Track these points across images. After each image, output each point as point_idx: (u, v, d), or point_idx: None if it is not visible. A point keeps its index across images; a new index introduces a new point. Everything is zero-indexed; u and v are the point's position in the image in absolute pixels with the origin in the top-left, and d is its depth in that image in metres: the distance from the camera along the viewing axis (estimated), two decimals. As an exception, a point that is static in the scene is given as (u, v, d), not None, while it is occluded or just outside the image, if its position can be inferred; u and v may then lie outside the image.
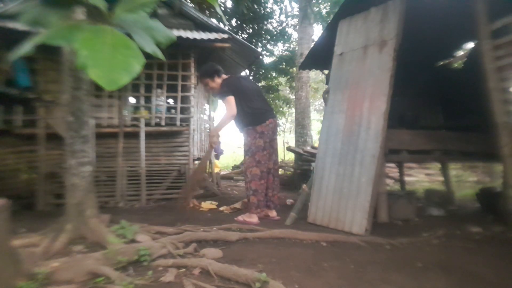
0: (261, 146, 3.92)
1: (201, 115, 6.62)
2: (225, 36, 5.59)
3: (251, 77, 13.68)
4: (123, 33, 2.08)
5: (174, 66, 5.54)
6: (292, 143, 11.27)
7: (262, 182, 3.92)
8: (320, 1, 11.66)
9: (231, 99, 3.84)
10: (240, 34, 11.60)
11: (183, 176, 5.50)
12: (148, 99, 5.59)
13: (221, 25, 6.31)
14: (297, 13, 11.29)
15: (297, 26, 10.59)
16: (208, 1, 2.45)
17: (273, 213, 4.08)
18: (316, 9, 11.12)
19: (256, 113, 3.92)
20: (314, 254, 2.66)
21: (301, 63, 5.99)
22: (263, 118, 3.91)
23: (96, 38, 1.94)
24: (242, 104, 3.87)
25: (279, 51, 14.13)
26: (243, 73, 11.74)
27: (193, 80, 5.62)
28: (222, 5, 11.44)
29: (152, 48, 2.37)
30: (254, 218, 3.85)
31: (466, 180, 7.24)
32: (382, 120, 3.33)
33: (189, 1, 8.02)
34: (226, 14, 11.03)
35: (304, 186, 4.08)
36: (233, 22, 11.71)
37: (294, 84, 11.57)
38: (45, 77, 4.91)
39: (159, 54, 2.44)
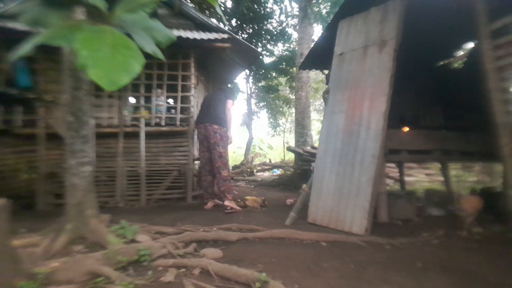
0: (198, 144, 5.07)
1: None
2: (225, 36, 5.59)
3: (251, 77, 13.72)
4: (123, 33, 2.08)
5: (174, 66, 5.53)
6: (292, 143, 11.27)
7: (200, 175, 5.07)
8: (320, 1, 11.64)
9: None
10: (240, 34, 11.60)
11: (183, 176, 5.50)
12: (148, 99, 5.59)
13: (221, 25, 6.31)
14: (297, 13, 11.28)
15: (297, 26, 10.58)
16: (208, 1, 2.45)
17: (207, 205, 4.91)
18: (316, 9, 11.10)
19: (196, 119, 5.16)
20: (314, 254, 2.66)
21: (301, 63, 5.99)
22: (196, 123, 5.06)
23: (96, 38, 1.94)
24: None
25: (279, 51, 14.14)
26: (242, 73, 11.81)
27: (193, 80, 5.62)
28: (222, 5, 11.44)
29: (152, 48, 2.37)
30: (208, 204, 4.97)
31: (466, 180, 7.23)
32: (382, 120, 3.33)
33: (189, 1, 8.02)
34: (226, 14, 11.02)
35: (304, 186, 4.08)
36: (233, 22, 11.70)
37: (294, 84, 11.56)
38: (45, 77, 4.92)
39: (159, 54, 2.44)
